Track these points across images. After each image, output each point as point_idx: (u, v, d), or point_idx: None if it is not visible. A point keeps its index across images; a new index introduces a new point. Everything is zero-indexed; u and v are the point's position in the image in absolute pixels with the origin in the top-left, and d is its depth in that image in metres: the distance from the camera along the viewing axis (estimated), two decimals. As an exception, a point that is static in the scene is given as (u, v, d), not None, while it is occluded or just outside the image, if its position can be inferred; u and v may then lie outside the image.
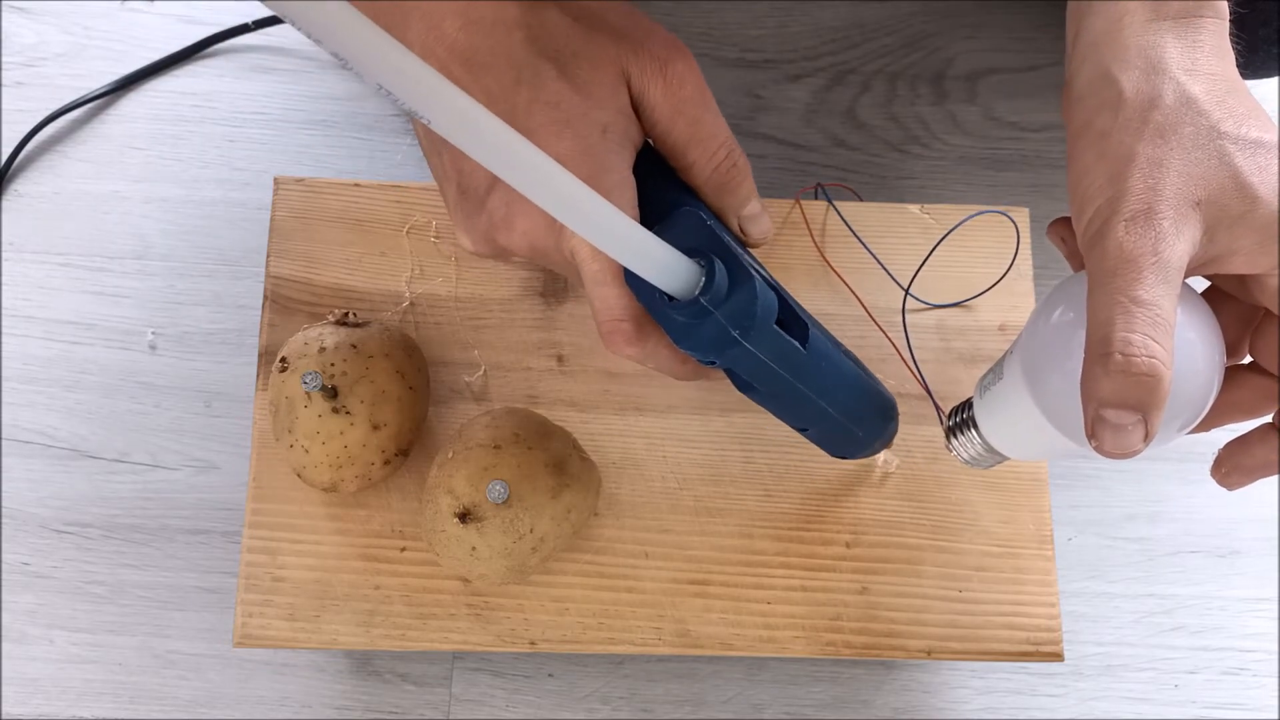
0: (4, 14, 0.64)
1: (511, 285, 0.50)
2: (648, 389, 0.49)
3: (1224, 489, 0.38)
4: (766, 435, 0.49)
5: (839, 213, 0.51)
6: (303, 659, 0.54)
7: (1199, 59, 0.33)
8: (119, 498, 0.56)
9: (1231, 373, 0.36)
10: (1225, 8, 0.34)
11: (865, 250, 0.51)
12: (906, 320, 0.49)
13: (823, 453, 0.46)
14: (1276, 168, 0.31)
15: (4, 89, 0.63)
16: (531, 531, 0.42)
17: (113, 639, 0.54)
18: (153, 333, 0.59)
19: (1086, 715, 0.56)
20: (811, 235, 0.51)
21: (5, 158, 0.61)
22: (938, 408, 0.46)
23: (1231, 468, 0.37)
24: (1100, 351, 0.30)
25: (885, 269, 0.50)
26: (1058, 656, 0.47)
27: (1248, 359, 0.36)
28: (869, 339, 0.50)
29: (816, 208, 0.52)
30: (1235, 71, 0.34)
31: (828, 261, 0.51)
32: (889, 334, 0.50)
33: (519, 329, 0.50)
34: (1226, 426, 0.37)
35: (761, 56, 0.66)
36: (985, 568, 0.48)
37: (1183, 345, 0.32)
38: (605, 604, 0.46)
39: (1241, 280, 0.34)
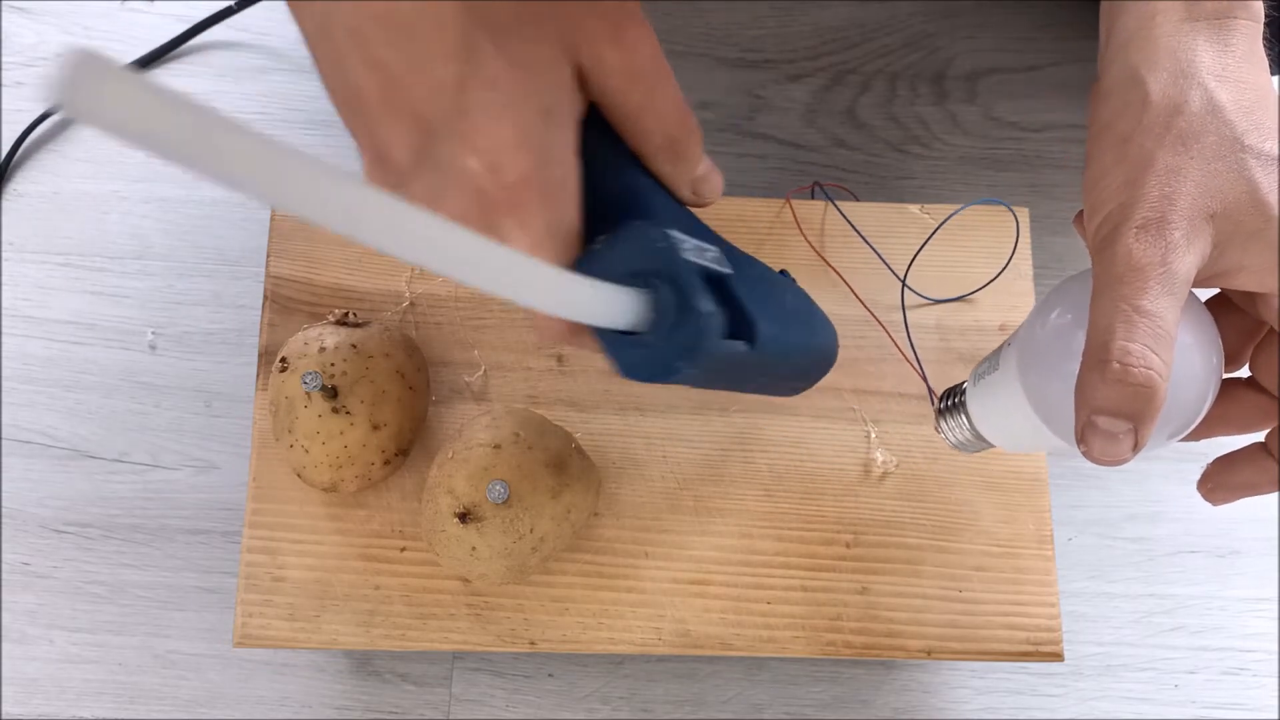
0: (4, 14, 0.64)
1: (511, 285, 0.50)
2: (647, 389, 0.49)
3: (1209, 504, 0.38)
4: (766, 435, 0.49)
5: (839, 209, 0.51)
6: (303, 659, 0.54)
7: (1230, 64, 0.32)
8: (119, 498, 0.56)
9: (1229, 386, 0.36)
10: (1260, 9, 0.33)
11: (865, 249, 0.51)
12: (907, 315, 0.49)
13: (823, 453, 0.46)
14: None
15: (4, 89, 0.63)
16: (531, 531, 0.42)
17: (113, 639, 0.54)
18: (153, 333, 0.59)
19: (1086, 715, 0.56)
20: (803, 233, 0.51)
21: (4, 155, 0.61)
22: (933, 397, 0.46)
23: (1217, 484, 0.37)
24: (1099, 358, 0.30)
25: (884, 260, 0.50)
26: (1058, 656, 0.47)
27: (1246, 373, 0.36)
28: (869, 338, 0.50)
29: (815, 207, 0.52)
30: (1268, 79, 0.33)
31: (824, 259, 0.51)
32: (891, 332, 0.50)
33: (519, 329, 0.50)
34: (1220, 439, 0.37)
35: (761, 56, 0.66)
36: (985, 568, 0.48)
37: (1180, 352, 0.32)
38: (605, 604, 0.46)
39: (1249, 295, 0.34)
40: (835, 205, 0.51)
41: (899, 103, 0.66)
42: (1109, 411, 0.30)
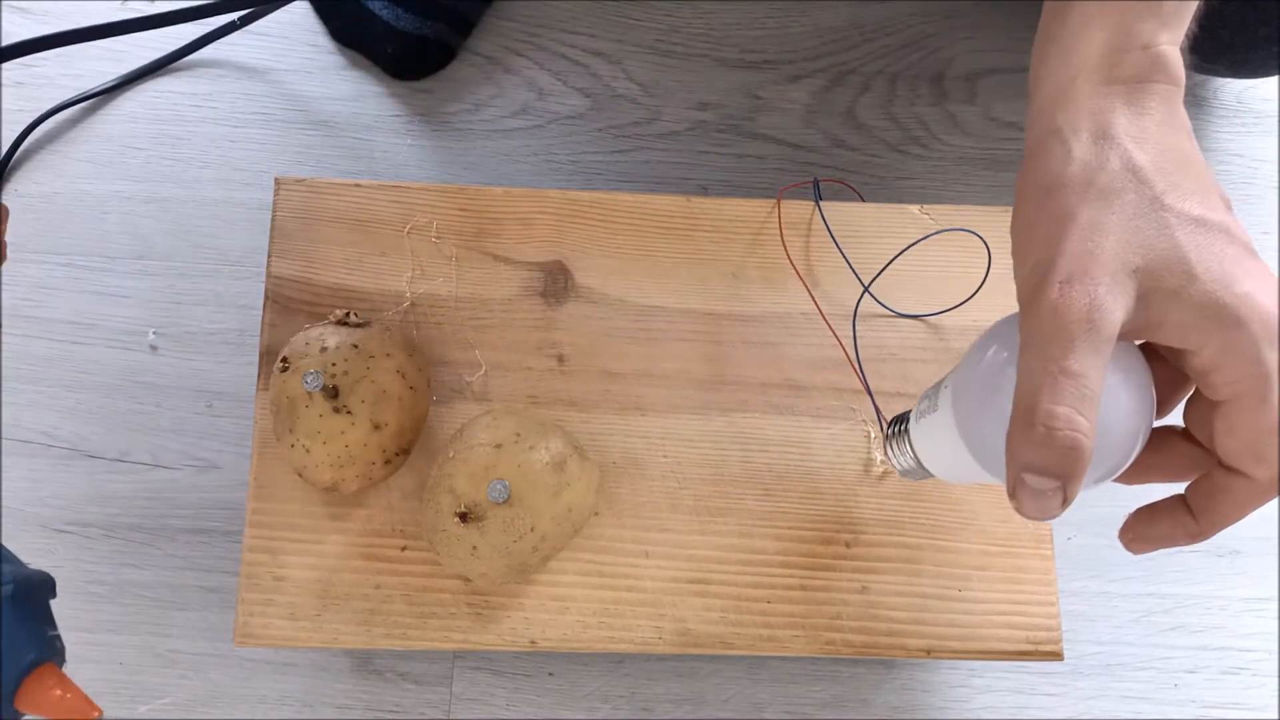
0: (4, 14, 0.64)
1: (512, 285, 0.50)
2: (648, 389, 0.49)
3: (1130, 554, 0.38)
4: (766, 435, 0.49)
5: (822, 214, 0.51)
6: (304, 658, 0.54)
7: (1147, 127, 0.33)
8: (120, 497, 0.56)
9: (1163, 435, 0.36)
10: (1181, 74, 0.34)
11: (862, 249, 0.51)
12: (856, 325, 0.50)
13: (823, 453, 0.46)
14: (1217, 247, 0.31)
15: (4, 89, 0.63)
16: (532, 531, 0.42)
17: (114, 638, 0.54)
18: (154, 333, 0.59)
19: (1086, 714, 0.56)
20: (781, 232, 0.51)
21: (4, 155, 0.61)
22: (878, 411, 0.47)
23: (1136, 535, 0.37)
24: (1026, 420, 0.31)
25: (852, 268, 0.50)
26: (1057, 656, 0.47)
27: (1181, 422, 0.36)
28: (868, 338, 0.50)
29: (810, 208, 0.52)
30: (1189, 143, 0.33)
31: (791, 262, 0.51)
32: (845, 339, 0.50)
33: (519, 329, 0.50)
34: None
35: (761, 57, 0.66)
36: (985, 567, 0.48)
37: (1111, 397, 0.32)
38: (606, 603, 0.46)
39: (1173, 350, 0.34)
40: (819, 208, 0.52)
41: (899, 103, 0.66)
42: (1036, 471, 0.31)
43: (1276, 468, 0.32)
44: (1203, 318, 0.31)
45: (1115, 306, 0.31)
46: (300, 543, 0.46)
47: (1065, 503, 0.31)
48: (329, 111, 0.63)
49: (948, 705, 0.55)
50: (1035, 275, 0.32)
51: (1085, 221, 0.31)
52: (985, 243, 0.50)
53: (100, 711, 0.33)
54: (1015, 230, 0.34)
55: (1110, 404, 0.32)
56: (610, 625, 0.46)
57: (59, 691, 0.32)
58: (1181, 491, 0.36)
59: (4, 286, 0.60)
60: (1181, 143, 0.33)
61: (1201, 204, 0.32)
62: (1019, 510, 0.32)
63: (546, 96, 0.64)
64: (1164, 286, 0.31)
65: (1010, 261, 0.34)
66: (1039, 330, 0.31)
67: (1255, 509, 0.34)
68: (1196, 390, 0.34)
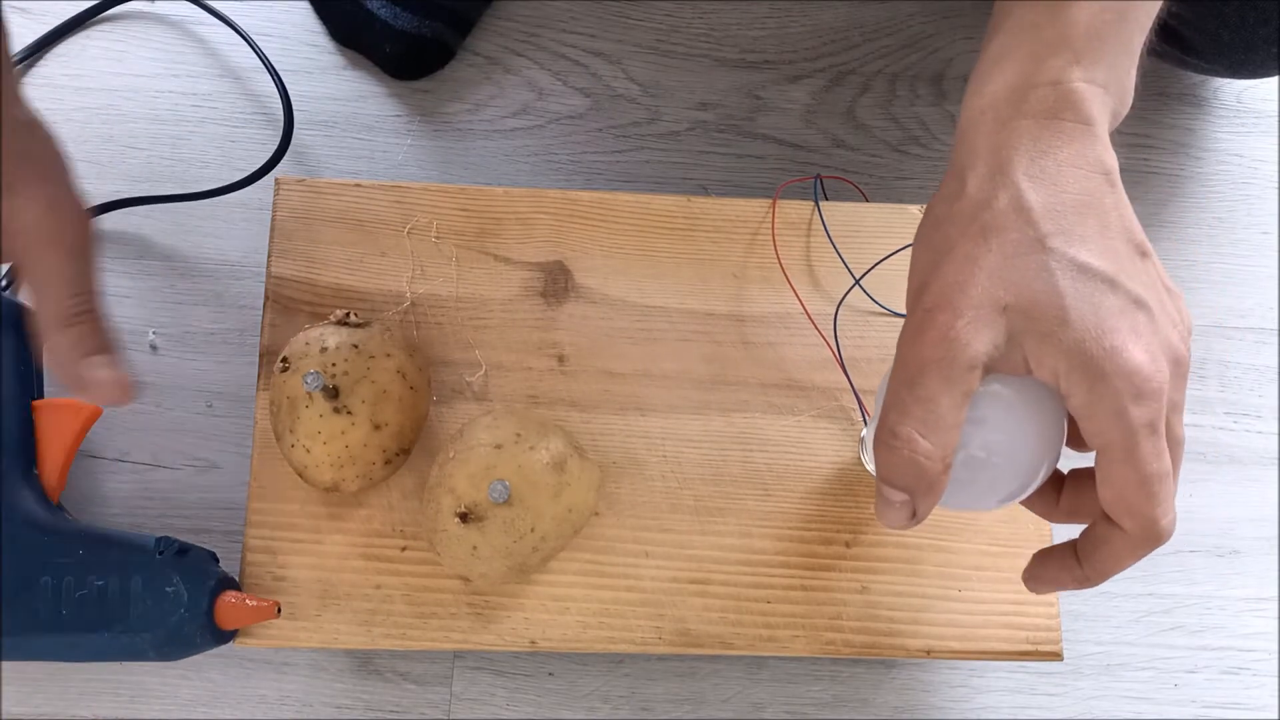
0: (4, 14, 0.64)
1: (512, 285, 0.50)
2: (648, 389, 0.49)
3: (1032, 593, 0.39)
4: (766, 435, 0.49)
5: (820, 213, 0.52)
6: (304, 658, 0.54)
7: (1047, 166, 0.32)
8: (120, 497, 0.56)
9: (1082, 478, 0.36)
10: (1096, 113, 0.33)
11: (859, 249, 0.51)
12: (838, 320, 0.50)
13: (823, 452, 0.46)
14: (1096, 296, 0.31)
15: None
16: (532, 531, 0.42)
17: (114, 638, 0.54)
18: (154, 332, 0.59)
19: (1086, 714, 0.56)
20: (773, 232, 0.52)
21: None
22: (863, 410, 0.48)
23: (1031, 575, 0.38)
24: (879, 435, 0.33)
25: (844, 263, 0.50)
26: (1057, 656, 0.47)
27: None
28: (868, 337, 0.50)
29: (809, 208, 0.52)
30: (1099, 185, 0.33)
31: (780, 260, 0.51)
32: (830, 335, 0.50)
33: (520, 329, 0.50)
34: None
35: (761, 57, 0.66)
36: (984, 567, 0.48)
37: (1012, 426, 0.34)
38: (606, 603, 0.46)
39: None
40: (818, 208, 0.52)
41: (898, 103, 0.66)
42: (886, 482, 0.33)
43: (1142, 522, 0.32)
44: (1071, 366, 0.31)
45: (975, 340, 0.31)
46: (300, 543, 0.46)
47: (915, 517, 0.33)
48: (329, 111, 0.63)
49: (948, 705, 0.55)
50: (909, 300, 0.33)
51: (961, 255, 0.32)
52: None
53: (279, 605, 0.44)
54: (911, 255, 0.35)
55: (1013, 432, 0.34)
56: (610, 625, 0.46)
57: (247, 601, 0.44)
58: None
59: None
60: (1087, 185, 0.32)
61: (1091, 250, 0.31)
62: (879, 518, 0.34)
63: (546, 96, 0.64)
64: (1037, 329, 0.31)
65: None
66: (900, 353, 0.33)
67: (1134, 561, 0.34)
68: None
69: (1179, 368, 0.32)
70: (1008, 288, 0.31)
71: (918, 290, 0.33)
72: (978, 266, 0.31)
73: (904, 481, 0.32)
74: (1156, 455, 0.31)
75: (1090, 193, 0.32)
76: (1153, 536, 0.33)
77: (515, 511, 0.42)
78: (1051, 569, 0.37)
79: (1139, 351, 0.31)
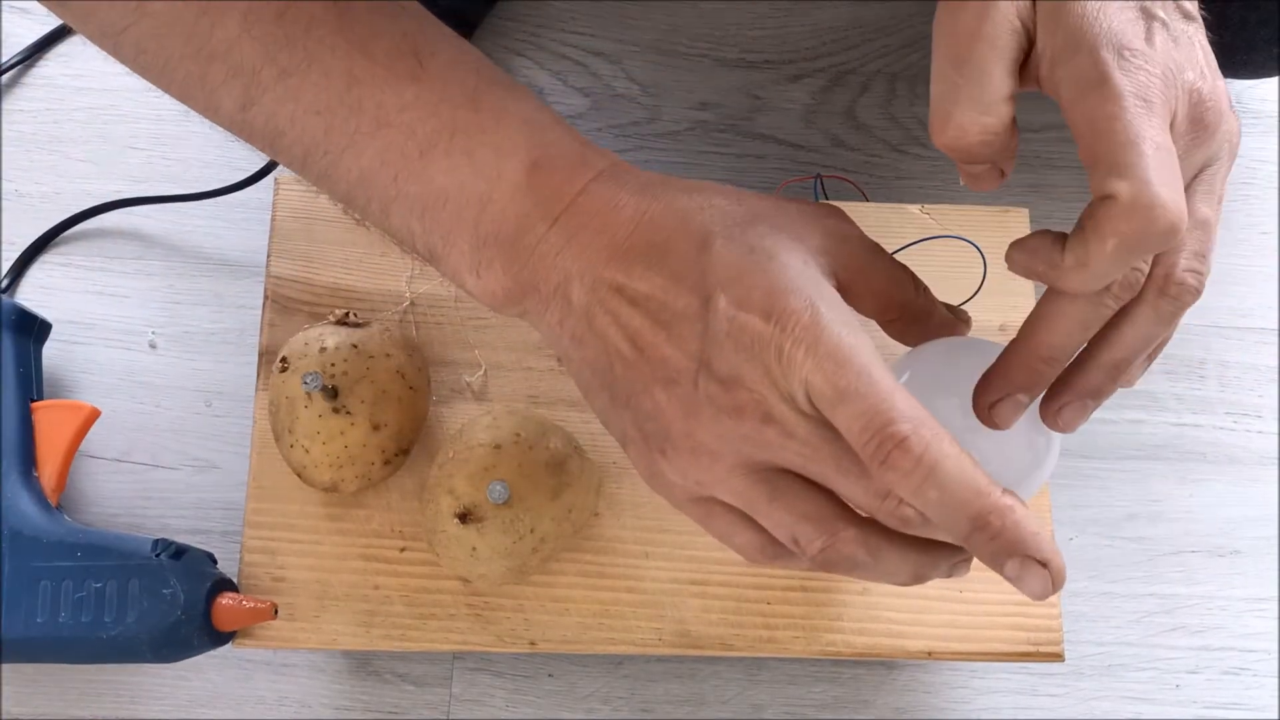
0: (4, 14, 0.64)
1: (512, 285, 0.50)
2: (648, 389, 0.49)
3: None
4: (767, 435, 0.49)
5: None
6: (302, 659, 0.54)
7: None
8: (119, 497, 0.56)
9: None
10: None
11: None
12: None
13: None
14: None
15: (4, 88, 0.63)
16: (532, 531, 0.42)
17: (113, 639, 0.54)
18: (153, 332, 0.59)
19: (1087, 715, 0.56)
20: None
21: (4, 154, 0.61)
22: None
23: (1015, 245, 0.34)
24: (934, 126, 0.36)
25: None
26: (1058, 657, 0.47)
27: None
28: (869, 339, 0.50)
29: (817, 208, 0.52)
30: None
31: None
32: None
33: (520, 329, 0.50)
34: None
35: (761, 57, 0.66)
36: (986, 568, 0.48)
37: (999, 434, 0.35)
38: (605, 604, 0.46)
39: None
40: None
41: (899, 103, 0.66)
42: (966, 161, 0.37)
43: (1122, 169, 0.28)
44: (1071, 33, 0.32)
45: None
46: (299, 543, 0.46)
47: (1003, 176, 0.36)
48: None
49: (948, 706, 0.55)
50: None
51: None
52: (980, 250, 0.50)
53: (275, 606, 0.44)
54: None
55: (1000, 438, 0.36)
56: (610, 626, 0.46)
57: (243, 603, 0.44)
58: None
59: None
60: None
61: None
62: (964, 183, 0.37)
63: (546, 96, 0.64)
64: None
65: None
66: (938, 37, 0.38)
67: (1126, 250, 0.29)
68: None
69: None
70: None
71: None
72: None
73: (983, 155, 0.35)
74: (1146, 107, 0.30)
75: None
76: (1145, 203, 0.28)
77: (515, 512, 0.42)
78: (1034, 241, 0.33)
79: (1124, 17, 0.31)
